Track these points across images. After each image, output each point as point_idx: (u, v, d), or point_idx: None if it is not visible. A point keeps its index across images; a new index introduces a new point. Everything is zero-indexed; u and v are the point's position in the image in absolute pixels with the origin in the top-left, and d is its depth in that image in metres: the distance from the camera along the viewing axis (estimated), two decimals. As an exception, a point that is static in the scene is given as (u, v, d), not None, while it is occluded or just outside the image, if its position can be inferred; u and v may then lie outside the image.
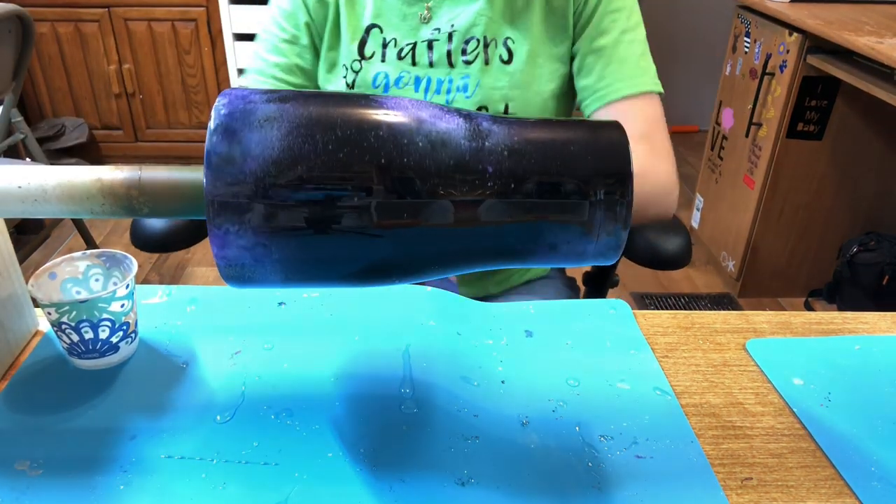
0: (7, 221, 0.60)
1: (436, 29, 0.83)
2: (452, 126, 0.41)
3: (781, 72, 1.87)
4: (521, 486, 0.48)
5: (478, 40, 0.82)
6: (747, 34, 2.06)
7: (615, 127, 0.42)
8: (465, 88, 0.82)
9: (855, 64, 1.67)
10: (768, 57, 1.93)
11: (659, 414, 0.55)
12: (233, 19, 2.62)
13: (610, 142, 0.41)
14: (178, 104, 2.82)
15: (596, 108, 0.83)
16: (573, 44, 0.84)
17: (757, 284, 2.14)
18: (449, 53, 0.83)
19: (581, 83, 0.84)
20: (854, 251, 1.91)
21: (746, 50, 2.05)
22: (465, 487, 0.47)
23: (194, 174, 0.42)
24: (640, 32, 0.84)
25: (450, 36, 0.82)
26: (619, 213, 0.40)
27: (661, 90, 0.84)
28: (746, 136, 2.04)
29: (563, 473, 0.49)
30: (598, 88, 0.82)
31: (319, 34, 0.86)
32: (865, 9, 1.96)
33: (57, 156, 2.73)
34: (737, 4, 2.12)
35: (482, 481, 0.48)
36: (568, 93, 0.87)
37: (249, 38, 2.69)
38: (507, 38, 0.82)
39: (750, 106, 2.00)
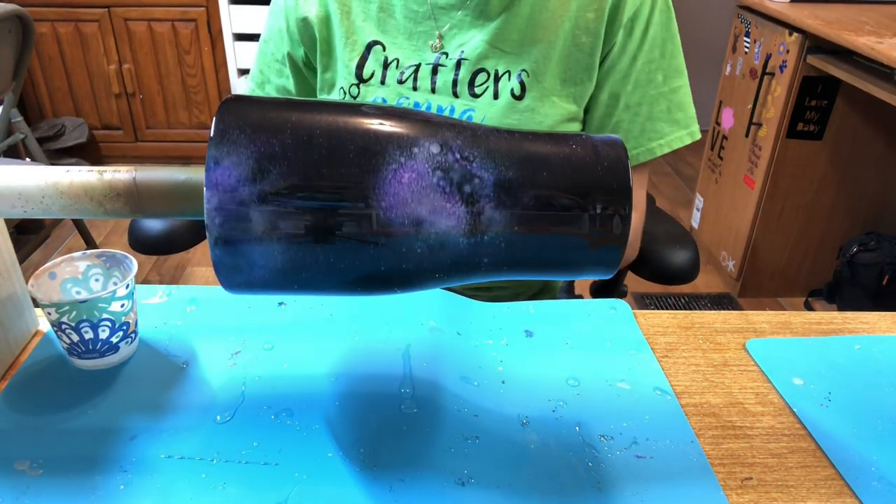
0: (7, 221, 0.60)
1: (443, 53, 0.76)
2: (453, 222, 0.40)
3: (781, 72, 1.87)
4: (521, 486, 0.48)
5: (488, 73, 0.75)
6: (747, 34, 2.06)
7: (615, 143, 0.43)
8: (470, 121, 0.77)
9: (855, 64, 1.67)
10: (768, 57, 1.93)
11: (659, 414, 0.55)
12: (233, 19, 2.62)
13: (610, 157, 0.42)
14: (178, 104, 2.82)
15: None
16: (595, 86, 0.77)
17: (757, 284, 2.14)
18: (455, 83, 0.76)
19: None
20: (854, 251, 1.91)
21: (746, 50, 2.05)
22: (465, 487, 0.47)
23: (188, 175, 0.42)
24: (681, 76, 0.78)
25: (458, 64, 0.75)
26: (618, 228, 0.41)
27: (695, 137, 0.80)
28: (746, 136, 2.04)
29: (563, 473, 0.49)
30: (629, 150, 0.78)
31: (305, 58, 0.83)
32: (865, 9, 1.96)
33: (57, 156, 2.73)
34: (737, 4, 2.12)
35: (482, 481, 0.48)
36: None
37: (249, 38, 2.69)
38: (523, 69, 0.74)
39: (750, 106, 2.00)
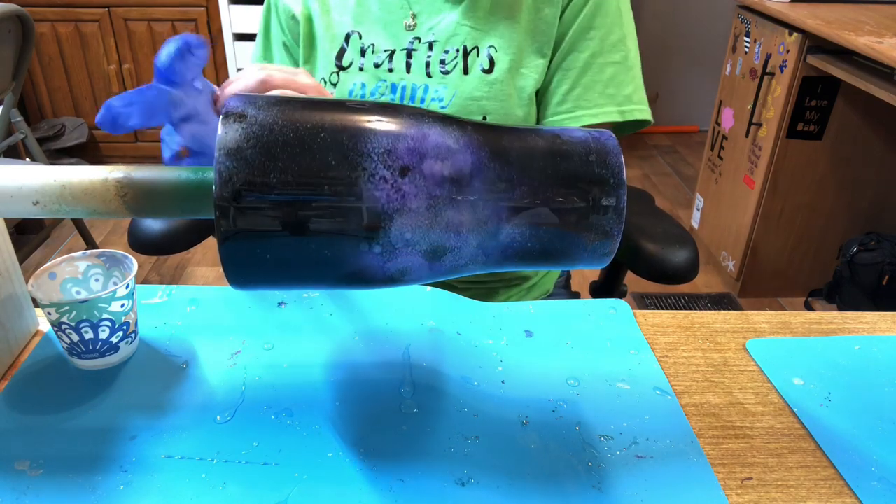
0: (7, 221, 0.60)
1: (416, 38, 0.79)
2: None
3: (781, 72, 1.87)
4: (521, 486, 0.48)
5: (457, 50, 0.78)
6: (747, 34, 2.06)
7: (609, 136, 0.43)
8: (441, 99, 0.78)
9: (855, 64, 1.67)
10: (768, 57, 1.93)
11: (659, 414, 0.55)
12: (233, 19, 2.62)
13: (604, 150, 0.42)
14: (178, 104, 2.81)
15: None
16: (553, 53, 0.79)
17: (757, 284, 2.14)
18: (427, 64, 0.79)
19: (545, 98, 0.80)
20: (854, 251, 1.91)
21: (746, 50, 2.05)
22: (465, 487, 0.47)
23: (188, 175, 0.42)
24: (619, 52, 0.78)
25: (430, 46, 0.79)
26: (612, 219, 0.41)
27: (627, 117, 0.78)
28: (746, 136, 2.04)
29: (563, 473, 0.49)
30: (557, 112, 0.79)
31: (295, 53, 0.87)
32: (865, 9, 1.96)
33: (57, 156, 2.73)
34: (737, 4, 2.12)
35: (482, 481, 0.48)
36: None
37: (249, 38, 2.69)
38: (491, 45, 0.77)
39: (750, 106, 2.00)
